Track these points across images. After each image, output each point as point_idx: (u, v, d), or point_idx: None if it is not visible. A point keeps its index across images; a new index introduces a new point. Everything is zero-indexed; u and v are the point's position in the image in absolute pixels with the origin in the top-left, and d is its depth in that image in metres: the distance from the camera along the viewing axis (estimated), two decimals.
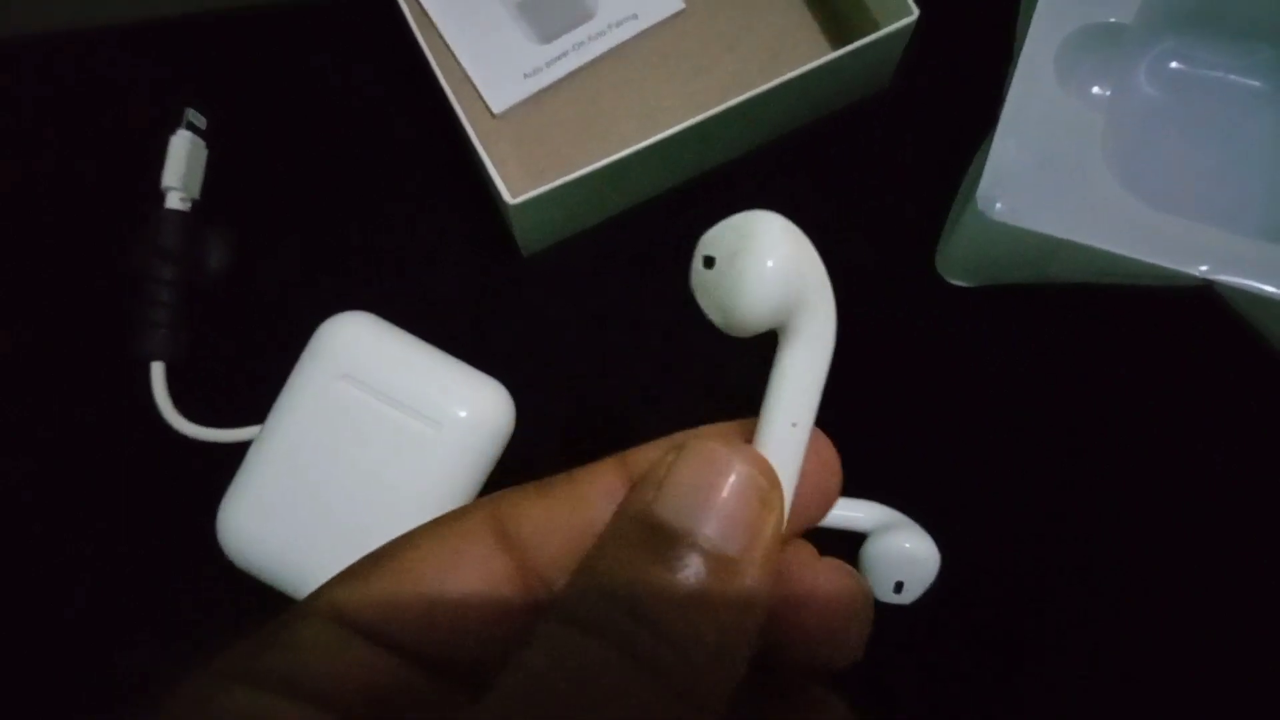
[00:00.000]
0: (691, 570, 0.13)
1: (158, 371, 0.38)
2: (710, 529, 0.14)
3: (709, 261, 0.15)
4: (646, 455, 0.16)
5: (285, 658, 0.15)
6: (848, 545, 0.36)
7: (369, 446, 0.35)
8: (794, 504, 0.16)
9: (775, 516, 0.15)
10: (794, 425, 0.16)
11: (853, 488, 0.36)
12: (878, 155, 0.41)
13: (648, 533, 0.14)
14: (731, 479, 0.15)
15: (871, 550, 0.35)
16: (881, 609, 0.35)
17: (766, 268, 0.15)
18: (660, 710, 0.13)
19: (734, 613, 0.14)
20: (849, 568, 0.16)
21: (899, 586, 0.35)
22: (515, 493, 0.16)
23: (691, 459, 0.15)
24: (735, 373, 0.39)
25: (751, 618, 0.14)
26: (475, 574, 0.15)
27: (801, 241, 0.16)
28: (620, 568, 0.14)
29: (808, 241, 0.16)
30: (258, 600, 0.35)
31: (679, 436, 0.16)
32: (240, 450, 0.37)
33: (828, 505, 0.16)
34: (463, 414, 0.35)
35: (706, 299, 0.15)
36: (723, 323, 0.15)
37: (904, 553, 0.35)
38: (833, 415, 0.38)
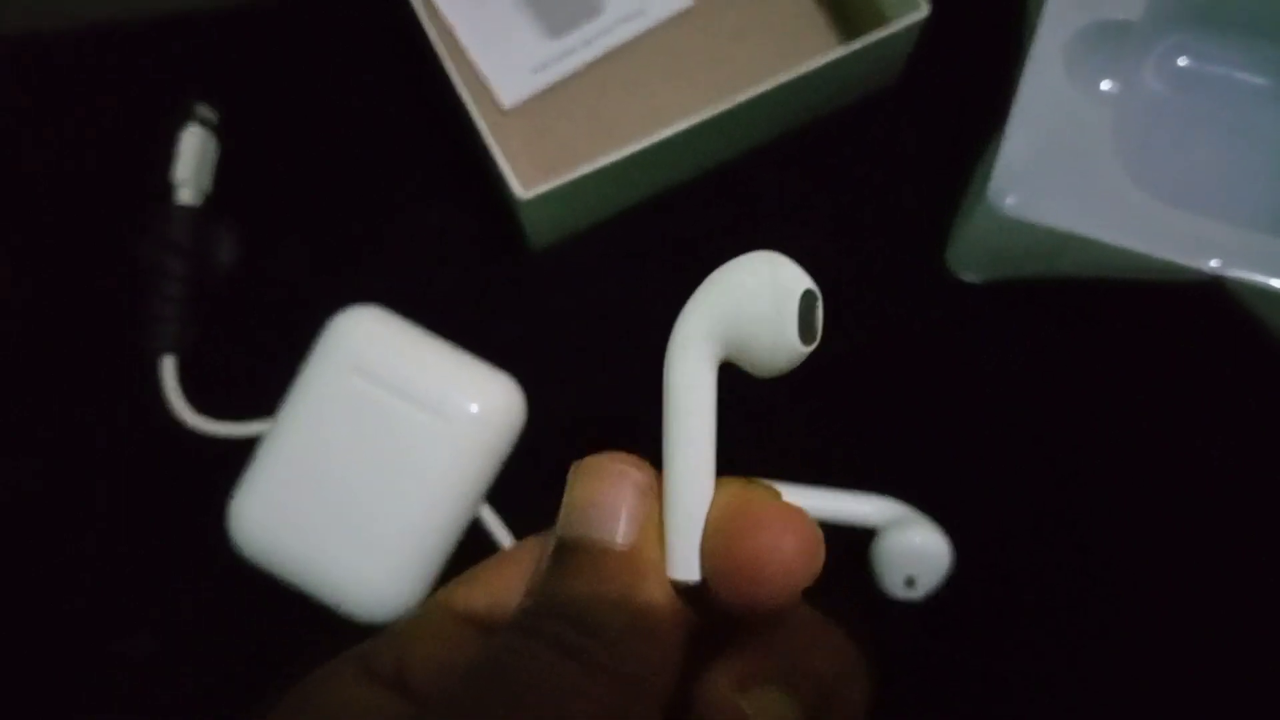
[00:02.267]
0: (585, 568, 0.16)
1: (168, 366, 0.38)
2: (594, 531, 0.16)
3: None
4: None
5: (398, 645, 0.18)
6: (859, 540, 0.36)
7: (379, 441, 0.35)
8: (749, 573, 0.16)
9: (634, 491, 0.17)
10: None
11: (864, 482, 0.37)
12: (887, 150, 0.41)
13: (559, 550, 0.17)
14: (605, 477, 0.17)
15: (883, 546, 0.35)
16: (893, 604, 0.35)
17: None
18: (590, 689, 0.15)
19: (632, 594, 0.16)
20: (803, 521, 0.16)
21: (911, 581, 0.35)
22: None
23: (577, 477, 0.17)
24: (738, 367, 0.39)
25: (647, 593, 0.16)
26: None
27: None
28: (544, 583, 0.16)
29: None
30: (267, 595, 0.35)
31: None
32: (250, 444, 0.36)
33: (793, 574, 0.16)
34: (473, 408, 0.35)
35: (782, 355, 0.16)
36: (769, 370, 0.17)
37: (915, 548, 0.35)
38: (845, 410, 0.38)
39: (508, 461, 0.36)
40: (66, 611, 0.37)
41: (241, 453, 0.36)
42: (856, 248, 0.40)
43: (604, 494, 0.17)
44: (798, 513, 0.16)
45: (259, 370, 0.38)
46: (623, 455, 0.17)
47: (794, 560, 0.16)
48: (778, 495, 0.17)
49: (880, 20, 0.39)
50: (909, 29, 0.37)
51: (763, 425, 0.39)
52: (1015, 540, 0.37)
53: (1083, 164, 0.35)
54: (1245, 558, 0.37)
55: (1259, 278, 0.34)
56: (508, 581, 0.18)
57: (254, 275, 0.40)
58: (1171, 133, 0.39)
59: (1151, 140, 0.39)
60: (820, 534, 0.16)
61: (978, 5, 0.41)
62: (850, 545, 0.36)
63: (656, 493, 0.17)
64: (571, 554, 0.16)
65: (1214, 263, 0.34)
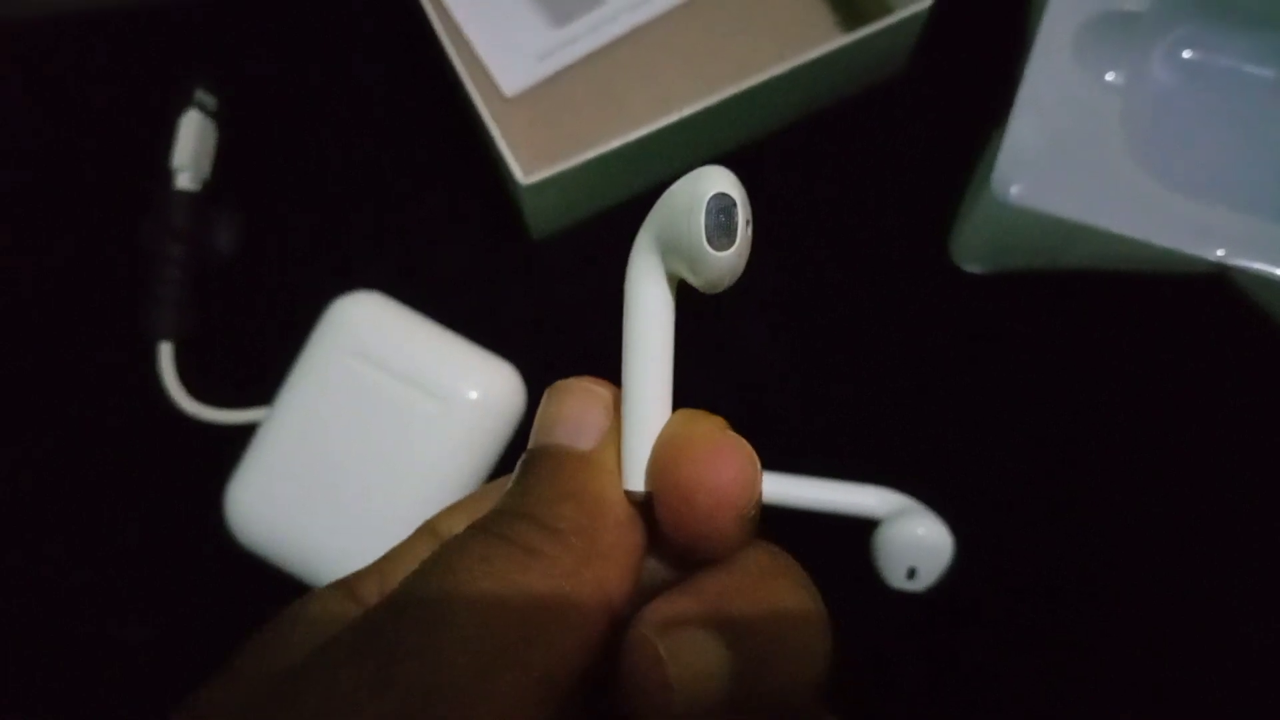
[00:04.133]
0: (545, 468, 0.17)
1: (166, 352, 0.38)
2: (559, 437, 0.17)
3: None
4: None
5: (381, 568, 0.18)
6: (861, 531, 0.36)
7: (379, 427, 0.35)
8: (690, 495, 0.16)
9: (600, 405, 0.18)
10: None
11: (867, 473, 0.36)
12: (892, 140, 0.41)
13: (524, 462, 0.18)
14: (568, 391, 0.18)
15: (885, 536, 0.35)
16: (894, 595, 0.35)
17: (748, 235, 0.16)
18: (528, 576, 0.15)
19: (586, 490, 0.17)
20: (743, 453, 0.16)
21: (912, 573, 0.35)
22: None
23: (549, 396, 0.18)
24: (739, 354, 0.39)
25: (599, 489, 0.17)
26: None
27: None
28: (507, 493, 0.17)
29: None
30: (263, 581, 0.35)
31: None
32: (248, 431, 0.36)
33: (730, 497, 0.16)
34: (474, 395, 0.35)
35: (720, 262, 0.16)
36: (718, 282, 0.16)
37: (917, 539, 0.35)
38: (849, 401, 0.38)
39: (508, 448, 0.36)
40: (64, 597, 0.37)
41: (239, 439, 0.36)
42: (861, 238, 0.40)
43: (570, 407, 0.18)
44: (739, 444, 0.17)
45: (257, 357, 0.38)
46: (590, 377, 0.18)
47: (728, 486, 0.16)
48: (726, 426, 0.17)
49: (885, 9, 0.39)
50: (914, 18, 0.37)
51: (765, 414, 0.38)
52: (1017, 531, 0.37)
53: (1088, 153, 0.35)
54: (1250, 549, 0.36)
55: (1264, 267, 0.34)
56: (488, 507, 0.18)
57: (253, 261, 0.40)
58: (1178, 124, 0.39)
59: (1158, 131, 0.39)
60: (758, 468, 0.17)
61: None
62: (852, 536, 0.36)
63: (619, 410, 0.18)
64: (535, 459, 0.17)
65: (1219, 251, 0.34)
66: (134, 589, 0.37)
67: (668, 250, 0.16)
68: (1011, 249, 0.37)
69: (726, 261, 0.16)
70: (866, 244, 0.40)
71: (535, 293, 0.40)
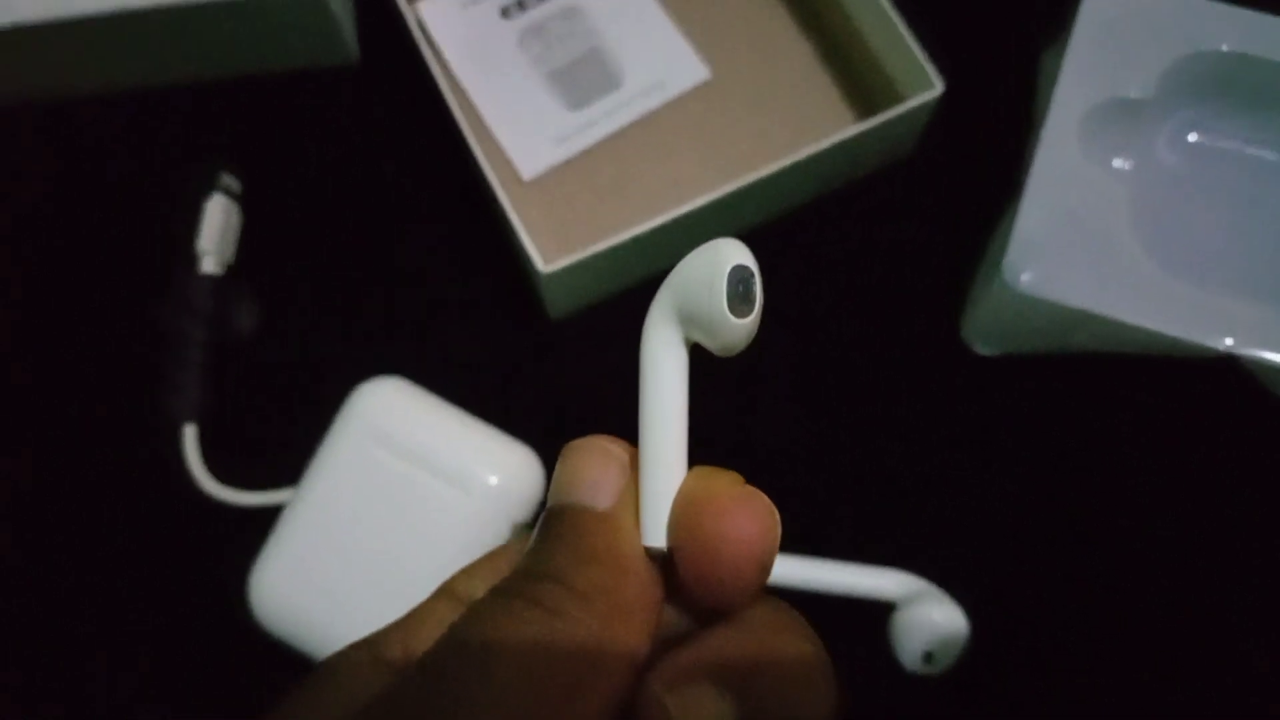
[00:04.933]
0: (566, 529, 0.17)
1: (190, 434, 0.38)
2: (577, 497, 0.18)
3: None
4: None
5: (405, 627, 0.19)
6: (877, 614, 0.36)
7: (402, 513, 0.35)
8: (713, 552, 0.17)
9: (617, 465, 0.18)
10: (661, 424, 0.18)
11: (880, 552, 0.37)
12: (902, 222, 0.42)
13: (543, 522, 0.18)
14: (585, 451, 0.18)
15: (901, 621, 0.35)
16: (912, 679, 0.35)
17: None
18: (557, 638, 0.16)
19: (607, 549, 0.17)
20: (762, 505, 0.17)
21: (929, 657, 0.35)
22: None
23: (565, 456, 0.18)
24: (759, 433, 0.40)
25: (620, 549, 0.17)
26: None
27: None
28: (526, 553, 0.18)
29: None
30: (286, 665, 0.35)
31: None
32: (272, 513, 0.37)
33: (753, 554, 0.17)
34: (493, 480, 0.36)
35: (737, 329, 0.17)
36: (730, 347, 0.17)
37: (933, 623, 0.35)
38: (862, 480, 0.38)
39: (527, 532, 0.37)
40: (87, 681, 0.37)
41: (263, 521, 0.37)
42: (872, 319, 0.40)
43: (587, 466, 0.18)
44: (758, 497, 0.17)
45: (280, 439, 0.39)
46: (606, 436, 0.18)
47: (751, 538, 0.17)
48: (743, 481, 0.18)
49: (895, 95, 0.40)
50: (924, 106, 0.38)
51: (780, 494, 0.39)
52: (1032, 615, 0.37)
53: (1097, 241, 0.36)
54: (1265, 628, 0.37)
55: (1273, 356, 0.34)
56: (505, 570, 0.19)
57: (276, 343, 0.40)
58: (1185, 208, 0.40)
59: (1165, 216, 0.39)
60: (777, 519, 0.17)
61: (990, 82, 0.42)
62: (868, 618, 0.36)
63: (635, 468, 0.18)
64: (554, 520, 0.18)
65: (1228, 341, 0.34)
66: (157, 672, 0.37)
67: (685, 318, 0.17)
68: (1022, 332, 0.38)
69: (746, 328, 0.17)
70: (879, 325, 0.40)
71: (553, 373, 0.40)
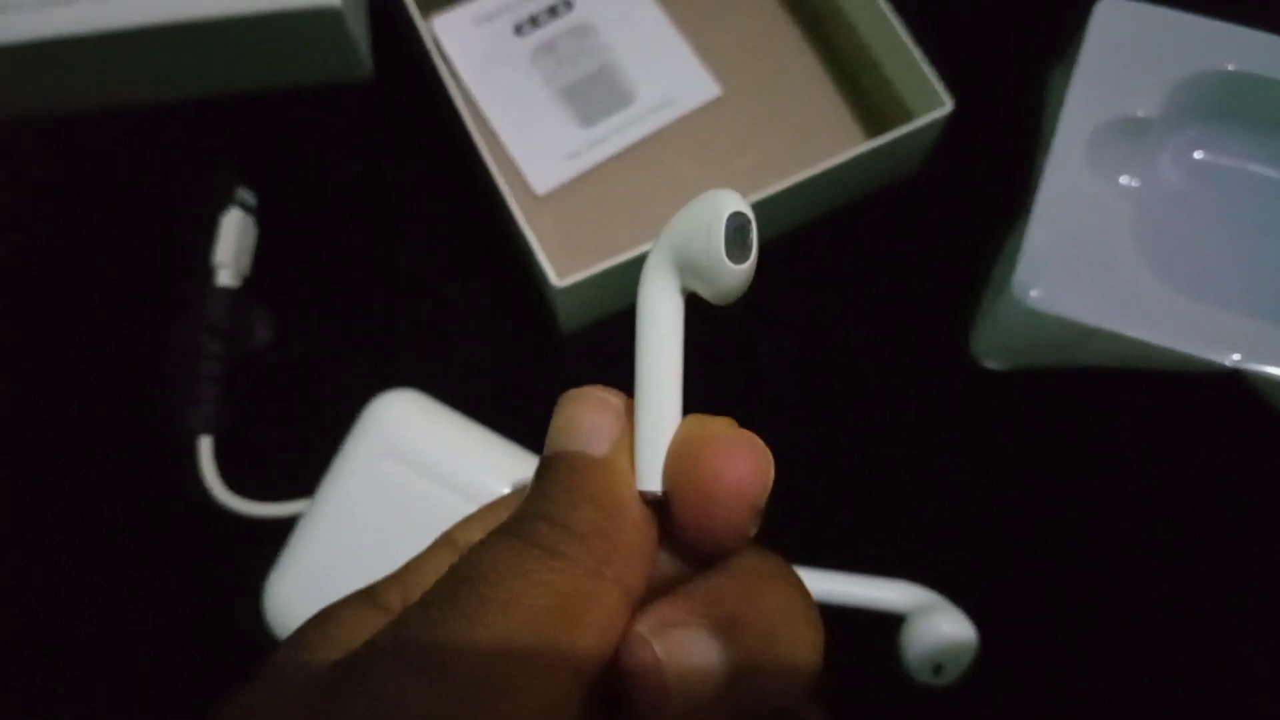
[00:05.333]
0: (563, 474, 0.18)
1: (205, 446, 0.38)
2: (574, 443, 0.18)
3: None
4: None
5: (403, 578, 0.19)
6: (885, 627, 0.36)
7: (416, 525, 0.35)
8: (706, 490, 0.17)
9: (612, 412, 0.18)
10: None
11: (890, 568, 0.37)
12: (910, 238, 0.42)
13: (540, 468, 0.18)
14: (581, 399, 0.18)
15: (910, 633, 0.36)
16: (921, 691, 0.36)
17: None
18: (552, 575, 0.16)
19: (602, 493, 0.17)
20: (756, 446, 0.17)
21: (938, 669, 0.35)
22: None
23: (562, 404, 0.19)
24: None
25: (616, 492, 0.17)
26: None
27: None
28: (524, 499, 0.18)
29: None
30: None
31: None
32: (286, 525, 0.37)
33: (746, 493, 0.17)
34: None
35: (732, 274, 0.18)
36: (727, 294, 0.18)
37: (942, 635, 0.35)
38: (871, 492, 0.39)
39: None
40: (102, 694, 0.37)
41: (278, 533, 0.37)
42: (881, 334, 0.41)
43: (583, 413, 0.18)
44: (752, 438, 0.18)
45: (295, 450, 0.39)
46: (600, 386, 0.19)
47: (745, 479, 0.17)
48: (736, 425, 0.18)
49: (905, 112, 0.41)
50: (934, 123, 0.38)
51: (787, 504, 0.39)
52: (1041, 626, 0.37)
53: (1104, 258, 0.36)
54: (1266, 634, 0.37)
55: (1277, 371, 0.34)
56: (504, 518, 0.19)
57: (291, 356, 0.41)
58: (1190, 225, 0.40)
59: (1171, 232, 0.40)
60: (771, 460, 0.18)
61: (998, 100, 0.42)
62: (877, 630, 0.37)
63: (631, 416, 0.18)
64: (552, 466, 0.18)
65: (1235, 356, 0.35)
66: (171, 683, 0.37)
67: (683, 266, 0.18)
68: (1031, 347, 0.38)
69: (743, 273, 0.17)
70: (887, 339, 0.41)
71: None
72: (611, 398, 0.19)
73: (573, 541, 0.16)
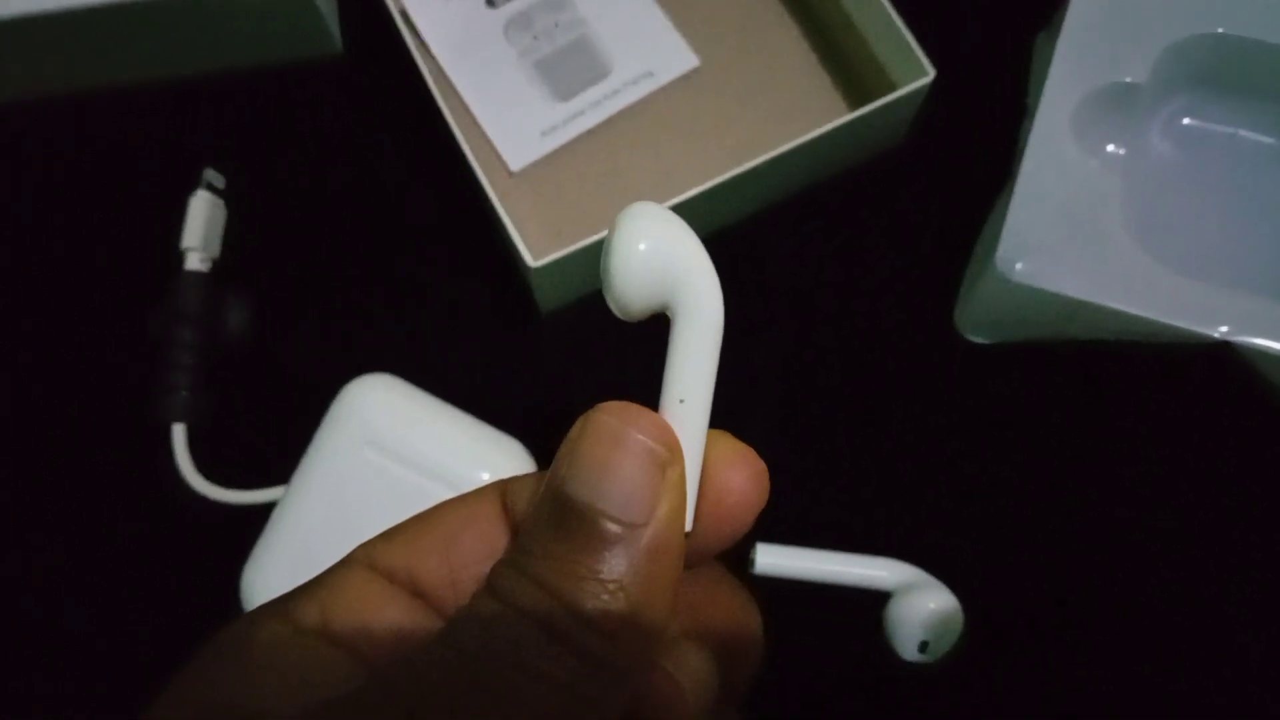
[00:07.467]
0: (597, 546, 0.15)
1: (179, 434, 0.38)
2: (613, 503, 0.15)
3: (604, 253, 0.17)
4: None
5: (320, 597, 0.17)
6: (871, 604, 0.36)
7: (392, 510, 0.35)
8: (715, 513, 0.17)
9: (675, 475, 0.16)
10: (682, 401, 0.17)
11: (875, 545, 0.37)
12: (894, 210, 0.41)
13: (561, 511, 0.15)
14: (629, 450, 0.15)
15: (896, 610, 0.35)
16: (907, 668, 0.35)
17: (637, 251, 0.16)
18: (577, 684, 0.14)
19: (642, 579, 0.15)
20: (756, 463, 0.17)
21: (924, 646, 0.35)
22: (521, 475, 0.19)
23: (591, 434, 0.16)
24: (751, 426, 0.39)
25: (659, 578, 0.15)
26: (483, 530, 0.18)
27: (671, 225, 0.17)
28: (538, 546, 0.15)
29: (681, 225, 0.17)
30: None
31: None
32: (263, 512, 0.37)
33: (751, 511, 0.17)
34: (483, 475, 0.35)
35: (603, 286, 0.17)
36: (613, 307, 0.17)
37: (928, 612, 0.35)
38: (855, 470, 0.38)
39: None
40: (76, 684, 0.37)
41: (254, 520, 0.36)
42: (865, 308, 0.40)
43: (630, 474, 0.15)
44: (750, 454, 0.17)
45: (271, 437, 0.39)
46: (637, 418, 0.16)
47: (750, 496, 0.17)
48: (733, 439, 0.18)
49: (887, 82, 0.40)
50: (916, 92, 0.38)
51: (771, 485, 0.39)
52: (1027, 603, 0.37)
53: (1091, 230, 0.35)
54: (1257, 617, 0.37)
55: (1267, 343, 0.34)
56: (426, 545, 0.18)
57: (265, 341, 0.40)
58: (1178, 195, 0.39)
59: (1158, 204, 0.39)
60: (766, 471, 0.17)
61: (982, 69, 0.41)
62: (863, 608, 0.36)
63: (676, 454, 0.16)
64: (578, 520, 0.15)
65: (1223, 329, 0.34)
66: (148, 671, 0.37)
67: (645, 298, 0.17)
68: (1016, 321, 0.38)
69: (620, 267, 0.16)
70: (871, 314, 0.40)
71: (544, 368, 0.40)
72: (660, 448, 0.16)
73: (604, 642, 0.15)
